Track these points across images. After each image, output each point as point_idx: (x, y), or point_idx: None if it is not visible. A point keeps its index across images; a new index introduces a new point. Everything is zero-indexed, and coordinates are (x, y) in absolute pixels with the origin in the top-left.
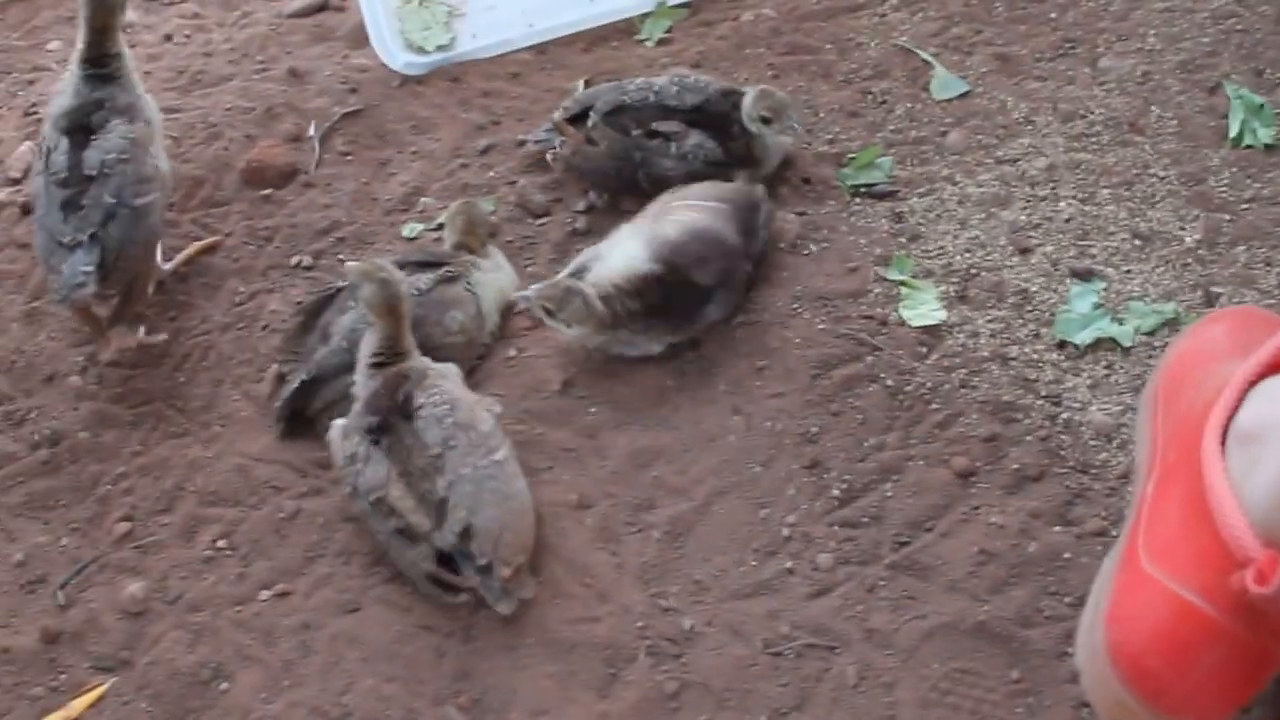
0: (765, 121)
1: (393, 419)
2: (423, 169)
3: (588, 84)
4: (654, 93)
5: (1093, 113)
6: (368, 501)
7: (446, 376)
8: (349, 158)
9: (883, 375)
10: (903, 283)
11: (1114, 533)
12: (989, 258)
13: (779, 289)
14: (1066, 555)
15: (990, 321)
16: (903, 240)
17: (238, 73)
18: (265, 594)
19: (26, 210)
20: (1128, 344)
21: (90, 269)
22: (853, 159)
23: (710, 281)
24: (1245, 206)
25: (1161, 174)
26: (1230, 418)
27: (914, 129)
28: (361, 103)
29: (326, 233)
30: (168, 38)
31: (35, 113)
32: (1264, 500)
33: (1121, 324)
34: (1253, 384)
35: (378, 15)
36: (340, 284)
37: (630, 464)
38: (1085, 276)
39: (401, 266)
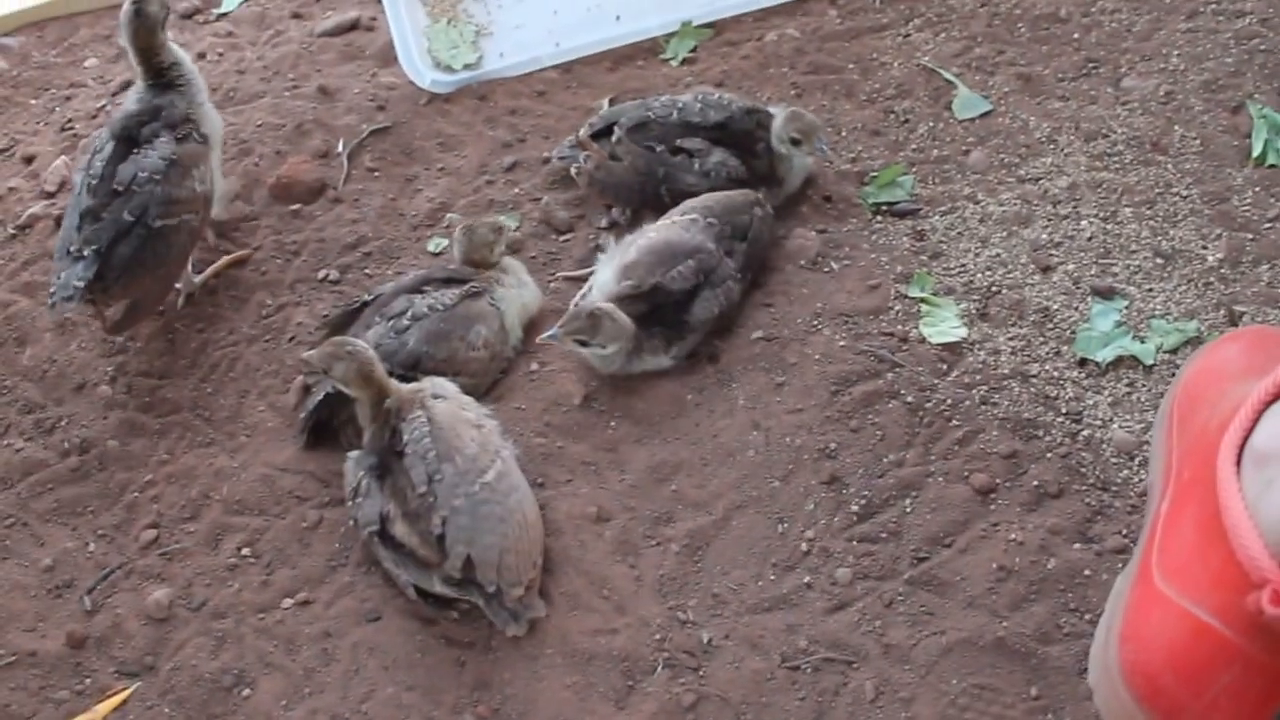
0: (795, 143)
1: (388, 459)
2: (449, 185)
3: (612, 102)
4: (678, 109)
5: (1115, 132)
6: (365, 533)
7: (423, 391)
8: (376, 174)
9: (903, 392)
10: (924, 300)
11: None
12: (1010, 275)
13: (799, 305)
14: (1087, 572)
15: (1011, 339)
16: (924, 258)
17: (269, 90)
18: (288, 602)
19: (60, 224)
20: (1149, 362)
21: (82, 284)
22: (875, 177)
23: (684, 285)
24: (1268, 226)
25: (1184, 193)
26: (1245, 438)
27: (936, 148)
28: (389, 120)
29: (354, 247)
30: (201, 55)
31: (72, 128)
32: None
33: (1143, 342)
34: (1268, 404)
35: (406, 34)
36: (366, 298)
37: (650, 478)
38: (1107, 295)
39: (427, 282)
